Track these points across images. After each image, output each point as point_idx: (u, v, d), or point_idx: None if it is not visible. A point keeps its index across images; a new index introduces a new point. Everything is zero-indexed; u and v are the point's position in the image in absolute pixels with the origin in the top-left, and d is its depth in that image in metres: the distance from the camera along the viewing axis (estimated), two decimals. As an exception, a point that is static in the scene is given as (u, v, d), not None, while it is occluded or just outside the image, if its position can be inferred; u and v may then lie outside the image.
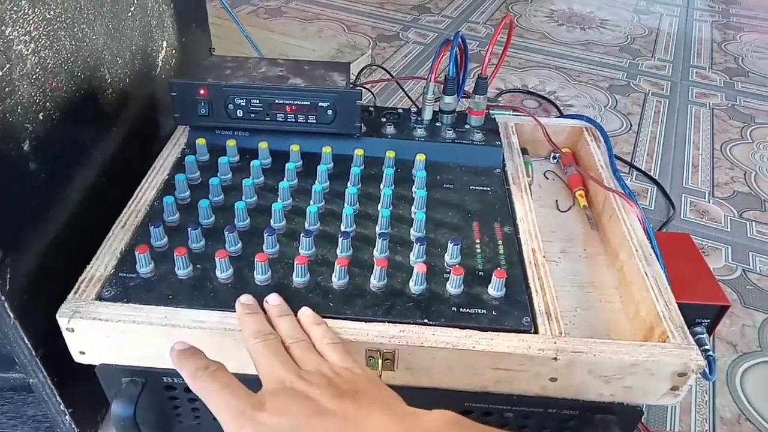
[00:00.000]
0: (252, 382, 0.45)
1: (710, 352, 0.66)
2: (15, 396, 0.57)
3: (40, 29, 0.45)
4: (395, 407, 0.37)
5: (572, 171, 0.71)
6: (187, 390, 0.50)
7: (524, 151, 0.72)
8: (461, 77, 0.68)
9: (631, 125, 1.16)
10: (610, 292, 0.57)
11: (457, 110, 0.69)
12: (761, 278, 0.81)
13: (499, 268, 0.49)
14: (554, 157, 0.75)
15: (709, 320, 0.68)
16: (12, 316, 0.43)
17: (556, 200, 0.69)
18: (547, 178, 0.73)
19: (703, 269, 0.71)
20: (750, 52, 1.52)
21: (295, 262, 0.48)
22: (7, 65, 0.41)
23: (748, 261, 0.84)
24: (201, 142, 0.61)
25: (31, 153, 0.45)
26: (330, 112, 0.61)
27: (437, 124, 0.68)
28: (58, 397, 0.50)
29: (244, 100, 0.60)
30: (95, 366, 0.48)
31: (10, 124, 0.42)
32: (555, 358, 0.45)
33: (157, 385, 0.49)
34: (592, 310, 0.55)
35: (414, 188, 0.59)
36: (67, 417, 0.52)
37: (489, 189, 0.62)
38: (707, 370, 0.63)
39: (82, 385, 0.52)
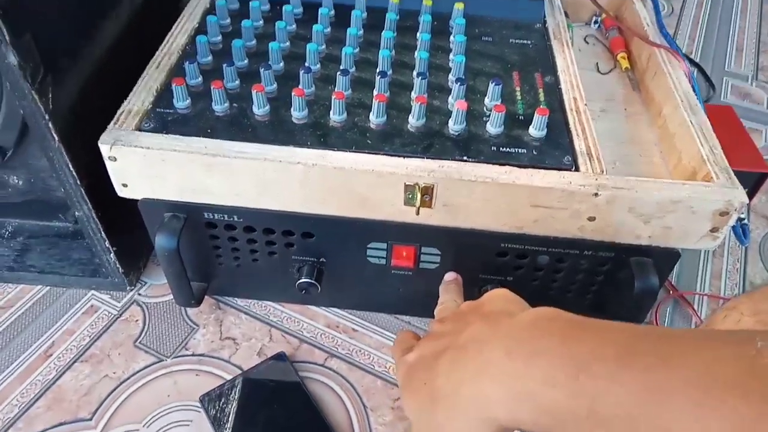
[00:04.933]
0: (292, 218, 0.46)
1: (745, 220, 0.66)
2: (60, 242, 0.59)
3: None
4: (499, 315, 0.35)
5: (614, 34, 0.68)
6: (228, 228, 0.51)
7: (564, 16, 0.68)
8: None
9: (673, 9, 1.10)
10: (650, 147, 0.56)
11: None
12: (801, 157, 0.79)
13: (541, 107, 0.48)
14: (595, 22, 0.72)
15: (747, 189, 0.67)
16: (56, 138, 0.44)
17: (596, 63, 0.66)
18: (587, 43, 0.70)
19: (745, 139, 0.69)
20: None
21: (333, 98, 0.48)
22: None
23: (789, 141, 0.82)
24: (230, -11, 0.59)
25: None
26: (364, -43, 0.58)
27: (475, -22, 0.64)
28: (103, 233, 0.52)
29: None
30: (137, 201, 0.49)
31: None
32: (596, 194, 0.44)
33: (198, 221, 0.50)
34: (632, 164, 0.54)
35: (452, 36, 0.57)
36: (111, 255, 0.54)
37: (529, 42, 0.59)
38: (742, 235, 0.63)
39: (125, 226, 0.54)
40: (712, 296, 0.63)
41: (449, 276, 0.51)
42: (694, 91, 0.55)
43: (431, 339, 0.39)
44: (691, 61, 0.96)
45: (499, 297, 0.38)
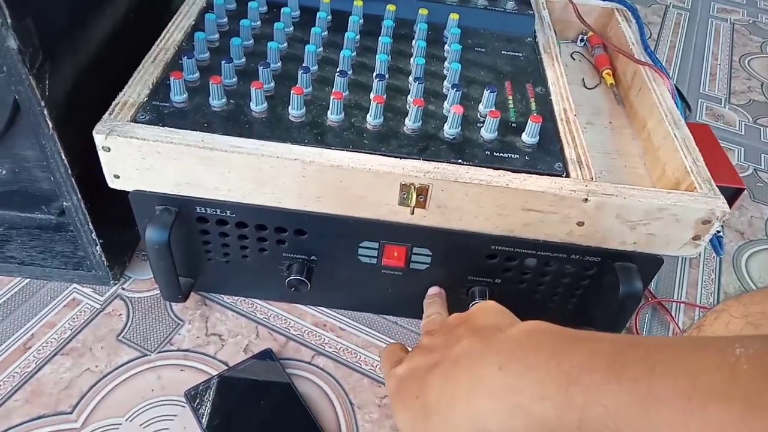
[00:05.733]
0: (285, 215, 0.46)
1: (720, 233, 0.68)
2: (42, 234, 0.58)
3: None
4: (490, 329, 0.35)
5: (600, 52, 0.71)
6: (219, 223, 0.51)
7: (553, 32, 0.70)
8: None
9: (651, 33, 1.14)
10: (634, 159, 0.58)
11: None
12: (771, 177, 0.83)
13: (534, 114, 0.50)
14: (581, 40, 0.74)
15: (722, 204, 0.69)
16: (51, 126, 0.43)
17: (582, 78, 0.68)
18: (574, 59, 0.72)
19: (721, 156, 0.72)
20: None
21: (331, 98, 0.48)
22: None
23: (760, 161, 0.85)
24: (229, -12, 0.59)
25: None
26: (362, -36, 0.59)
27: (469, -9, 0.66)
28: (90, 224, 0.51)
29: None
30: (128, 193, 0.49)
31: None
32: (586, 199, 0.46)
33: (189, 216, 0.50)
34: (617, 173, 0.56)
35: (447, 45, 0.59)
36: (97, 248, 0.53)
37: (521, 55, 0.61)
38: (718, 246, 0.65)
39: (112, 219, 0.53)
40: (689, 304, 0.65)
41: (433, 290, 0.52)
42: (677, 107, 0.58)
43: (421, 352, 0.39)
44: (668, 83, 1.00)
45: (488, 310, 0.38)
